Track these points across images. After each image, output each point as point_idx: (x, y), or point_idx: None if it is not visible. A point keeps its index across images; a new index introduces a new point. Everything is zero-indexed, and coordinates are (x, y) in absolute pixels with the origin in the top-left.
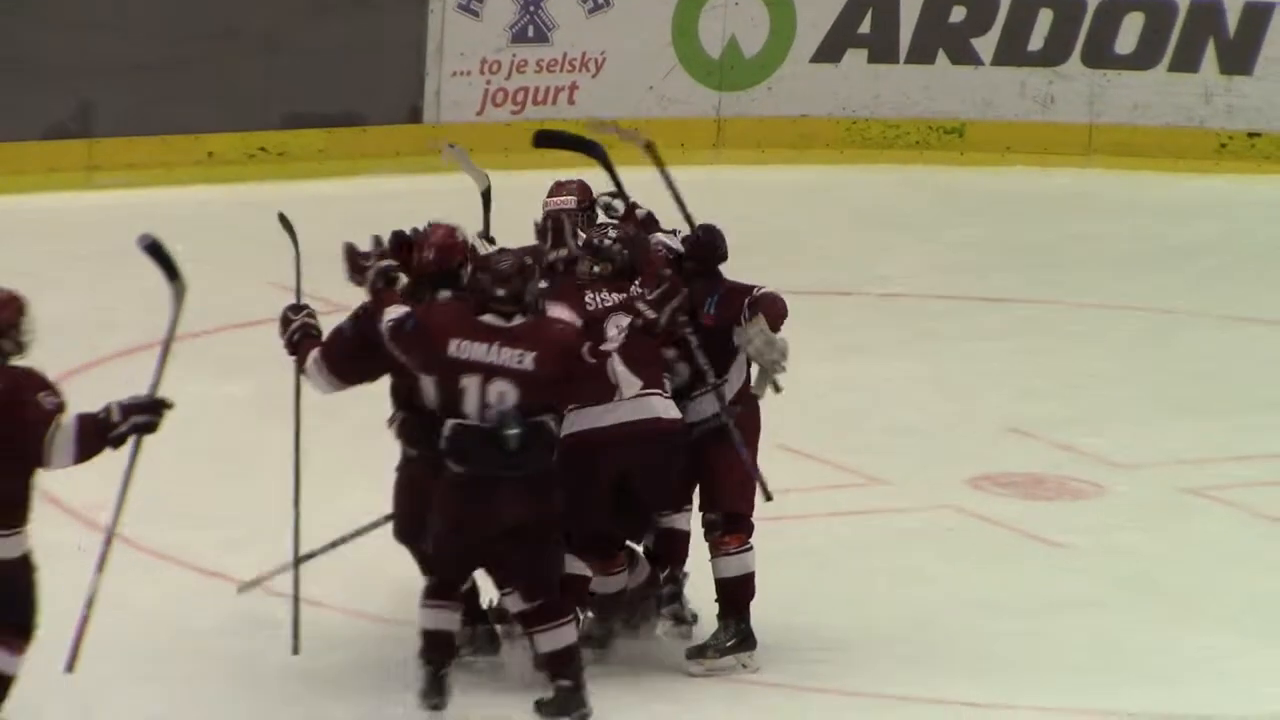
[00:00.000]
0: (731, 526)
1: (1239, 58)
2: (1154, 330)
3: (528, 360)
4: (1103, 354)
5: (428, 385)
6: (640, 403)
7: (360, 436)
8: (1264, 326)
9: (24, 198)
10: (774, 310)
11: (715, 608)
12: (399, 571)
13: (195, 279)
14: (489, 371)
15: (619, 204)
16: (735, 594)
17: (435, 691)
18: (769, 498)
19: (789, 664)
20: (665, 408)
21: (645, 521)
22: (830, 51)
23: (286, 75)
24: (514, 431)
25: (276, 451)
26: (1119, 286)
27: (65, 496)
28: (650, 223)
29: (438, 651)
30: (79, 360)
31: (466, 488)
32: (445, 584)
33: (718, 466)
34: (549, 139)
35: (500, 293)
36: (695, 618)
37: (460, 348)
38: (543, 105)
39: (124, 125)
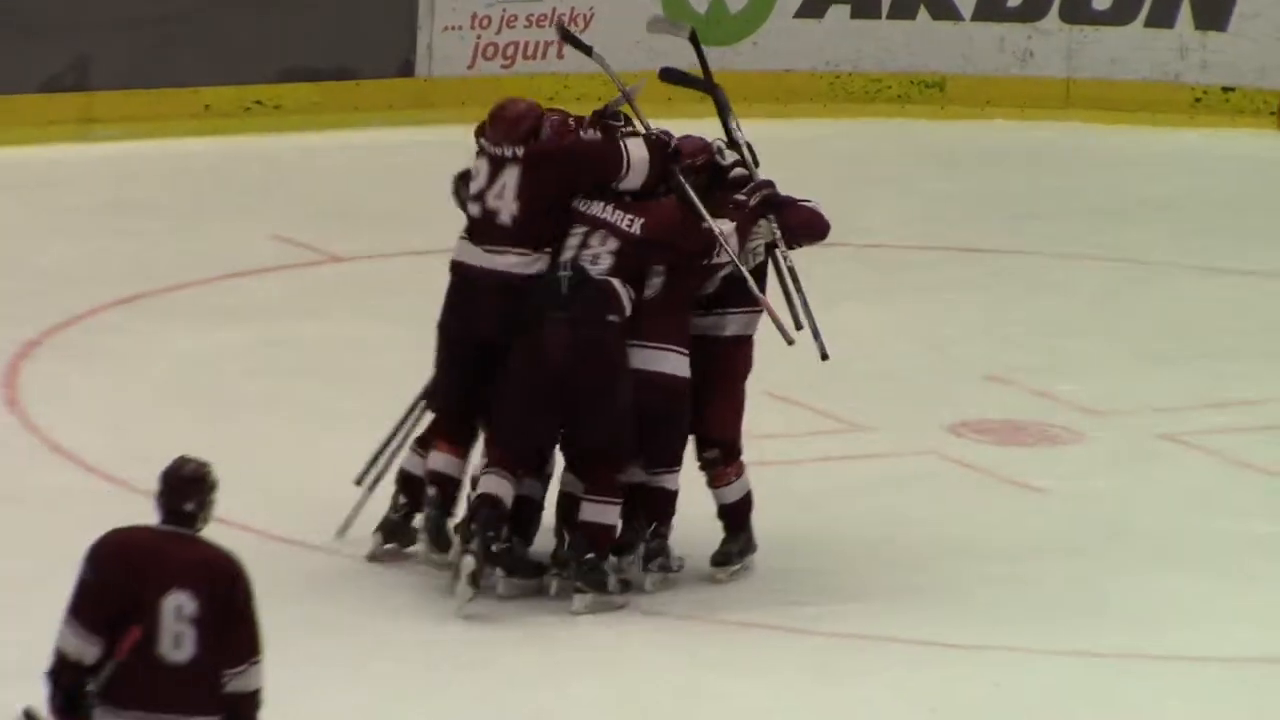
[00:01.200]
0: (730, 456)
1: (1214, 14)
2: (1130, 280)
3: (636, 225)
4: (1080, 304)
5: None
6: (656, 355)
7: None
8: (1237, 277)
9: (19, 150)
10: (799, 221)
11: (715, 533)
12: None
13: (191, 230)
14: (596, 224)
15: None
16: (742, 511)
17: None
18: (824, 356)
19: (772, 606)
20: (678, 365)
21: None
22: (813, 7)
23: (281, 30)
24: (567, 274)
25: (272, 399)
26: (1096, 238)
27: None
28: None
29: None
30: (75, 310)
31: (528, 334)
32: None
33: (716, 394)
34: (674, 76)
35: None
36: (681, 564)
37: (580, 202)
38: (532, 60)
39: (120, 79)
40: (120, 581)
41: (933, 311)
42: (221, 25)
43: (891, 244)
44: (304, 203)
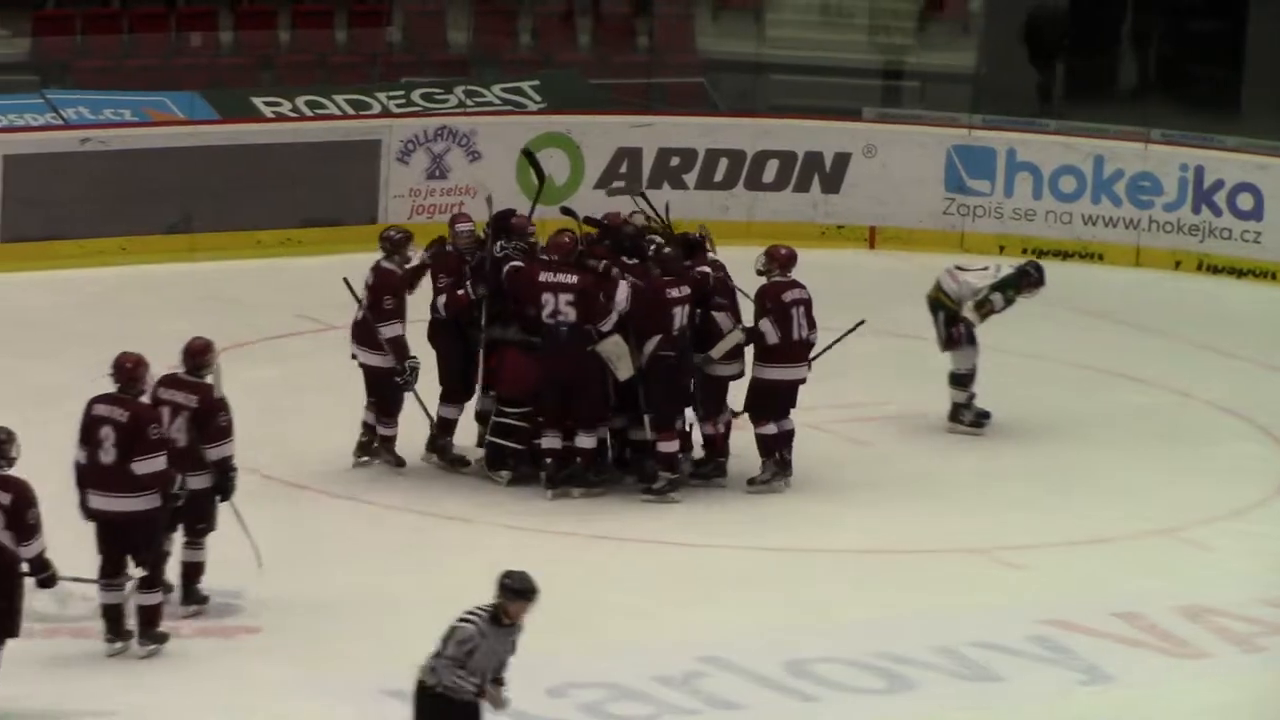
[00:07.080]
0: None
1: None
2: None
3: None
4: None
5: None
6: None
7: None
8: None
9: (158, 267)
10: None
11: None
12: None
13: (253, 311)
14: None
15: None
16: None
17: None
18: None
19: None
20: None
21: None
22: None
23: (303, 196)
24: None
25: (297, 401)
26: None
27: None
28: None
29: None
30: None
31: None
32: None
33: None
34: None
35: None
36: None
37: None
38: (441, 213)
39: (208, 226)
40: None
41: None
42: (270, 195)
43: None
44: (315, 295)
